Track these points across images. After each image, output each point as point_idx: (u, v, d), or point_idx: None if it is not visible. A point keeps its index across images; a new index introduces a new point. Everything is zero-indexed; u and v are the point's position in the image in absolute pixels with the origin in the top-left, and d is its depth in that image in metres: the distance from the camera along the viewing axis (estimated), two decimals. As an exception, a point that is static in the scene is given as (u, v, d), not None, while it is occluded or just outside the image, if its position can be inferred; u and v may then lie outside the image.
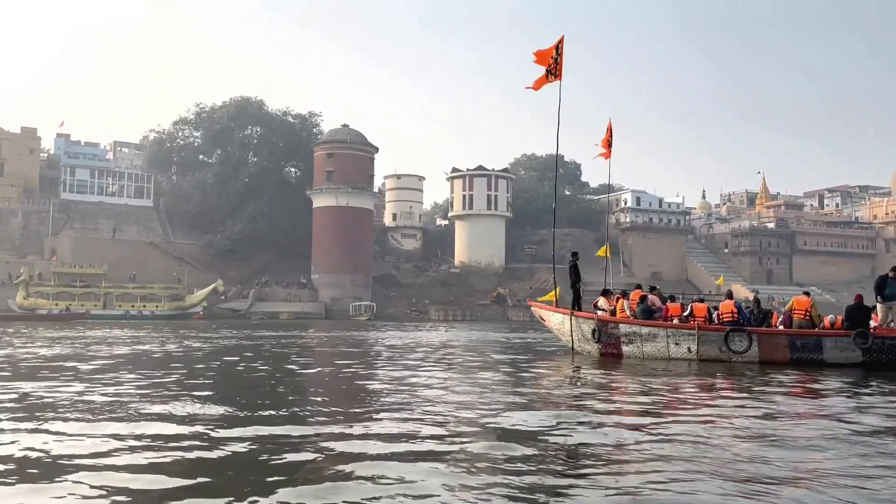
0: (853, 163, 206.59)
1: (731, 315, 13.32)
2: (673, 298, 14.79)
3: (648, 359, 13.60)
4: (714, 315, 14.09)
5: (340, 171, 67.72)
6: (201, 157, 76.99)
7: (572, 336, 15.22)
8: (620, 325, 14.15)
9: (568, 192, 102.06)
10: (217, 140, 74.78)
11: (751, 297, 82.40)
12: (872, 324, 12.89)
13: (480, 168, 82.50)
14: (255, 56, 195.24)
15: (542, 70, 14.03)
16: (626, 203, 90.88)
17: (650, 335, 13.68)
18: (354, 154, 69.10)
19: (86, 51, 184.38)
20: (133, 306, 52.55)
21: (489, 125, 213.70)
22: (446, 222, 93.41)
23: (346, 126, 71.75)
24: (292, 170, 78.47)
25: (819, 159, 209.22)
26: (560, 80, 14.07)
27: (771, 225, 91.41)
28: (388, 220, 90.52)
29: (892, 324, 13.17)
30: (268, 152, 74.39)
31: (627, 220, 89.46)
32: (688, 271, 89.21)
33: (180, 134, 76.53)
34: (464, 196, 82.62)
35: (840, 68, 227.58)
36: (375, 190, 77.59)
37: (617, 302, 15.09)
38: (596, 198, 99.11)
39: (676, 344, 13.37)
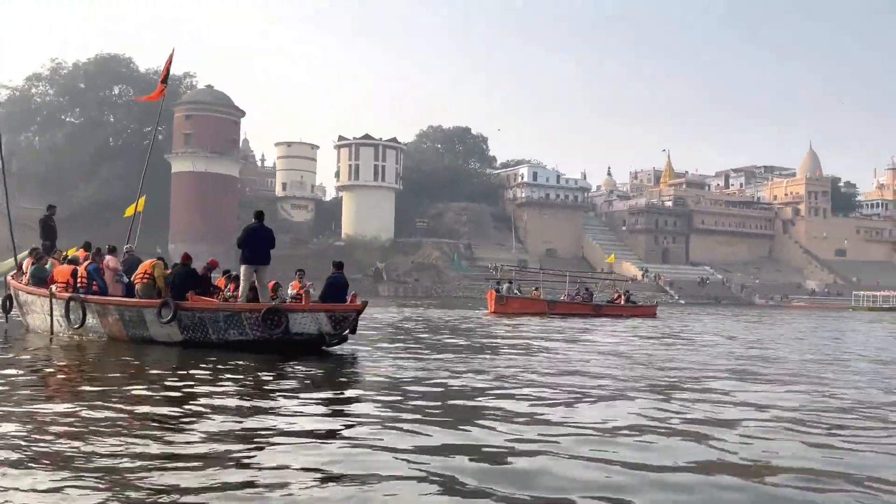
0: (775, 144, 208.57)
1: (82, 281, 10.55)
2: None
3: (42, 333, 10.93)
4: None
5: (200, 134, 63.83)
6: (64, 116, 72.21)
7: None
8: (20, 294, 11.40)
9: (473, 166, 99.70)
10: (76, 99, 70.13)
11: (639, 276, 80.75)
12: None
13: (367, 137, 79.10)
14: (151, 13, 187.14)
15: None
16: (522, 178, 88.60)
17: (31, 304, 10.97)
18: (216, 117, 65.18)
19: None
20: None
21: (400, 94, 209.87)
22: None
23: (209, 87, 67.68)
24: (160, 135, 73.99)
25: (739, 140, 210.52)
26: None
27: (669, 203, 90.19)
28: (277, 190, 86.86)
29: (262, 295, 10.02)
30: (131, 113, 70.07)
31: (523, 195, 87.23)
32: (583, 248, 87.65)
33: (34, 91, 71.53)
34: (350, 166, 79.28)
35: (774, 53, 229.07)
36: (261, 157, 73.66)
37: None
38: (496, 172, 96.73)
39: (51, 315, 10.66)
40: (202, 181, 63.30)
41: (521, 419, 5.09)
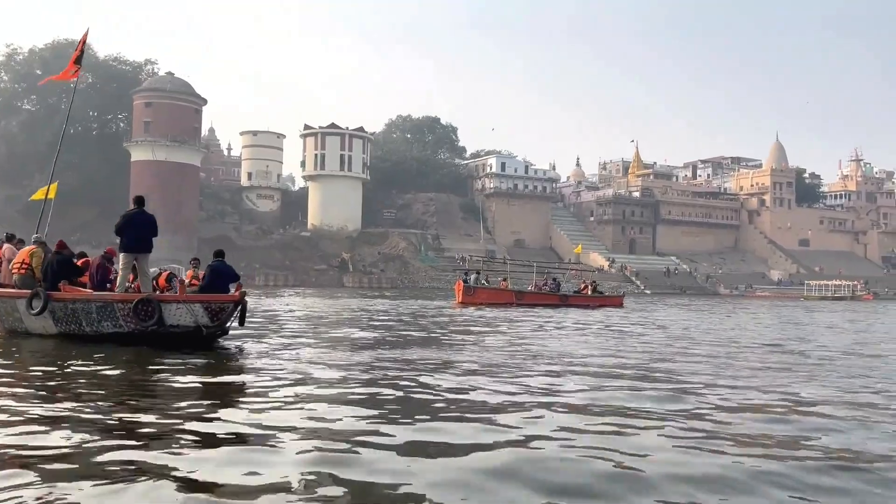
0: (745, 136, 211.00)
1: None
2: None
3: None
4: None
5: (159, 122, 62.65)
6: (20, 104, 70.42)
7: None
8: None
9: (442, 156, 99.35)
10: (33, 86, 68.36)
11: (606, 266, 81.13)
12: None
13: (333, 126, 78.24)
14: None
15: None
16: (491, 168, 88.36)
17: None
18: (176, 104, 63.93)
19: None
20: None
21: (370, 84, 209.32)
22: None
23: (170, 74, 66.45)
24: (120, 123, 72.50)
25: (710, 131, 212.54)
26: None
27: (637, 194, 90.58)
28: (243, 180, 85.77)
29: (144, 285, 9.57)
30: (89, 101, 68.48)
31: (491, 185, 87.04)
32: (552, 239, 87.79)
33: (-12, 78, 69.75)
34: (316, 155, 78.39)
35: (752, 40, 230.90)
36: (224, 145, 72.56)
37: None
38: (464, 162, 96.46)
39: None
40: (162, 170, 62.20)
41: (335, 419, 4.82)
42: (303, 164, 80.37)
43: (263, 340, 10.36)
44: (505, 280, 31.72)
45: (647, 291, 71.03)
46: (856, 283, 69.85)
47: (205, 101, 67.38)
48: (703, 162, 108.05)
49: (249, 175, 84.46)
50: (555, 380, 6.95)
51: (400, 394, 5.96)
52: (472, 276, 29.51)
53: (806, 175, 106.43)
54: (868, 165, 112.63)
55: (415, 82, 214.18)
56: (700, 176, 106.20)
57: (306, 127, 79.31)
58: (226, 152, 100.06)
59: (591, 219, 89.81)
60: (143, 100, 63.79)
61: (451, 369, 7.61)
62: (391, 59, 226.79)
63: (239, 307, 9.04)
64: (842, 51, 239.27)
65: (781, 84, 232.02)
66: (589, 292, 31.61)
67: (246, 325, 9.59)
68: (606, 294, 35.30)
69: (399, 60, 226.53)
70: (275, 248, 71.93)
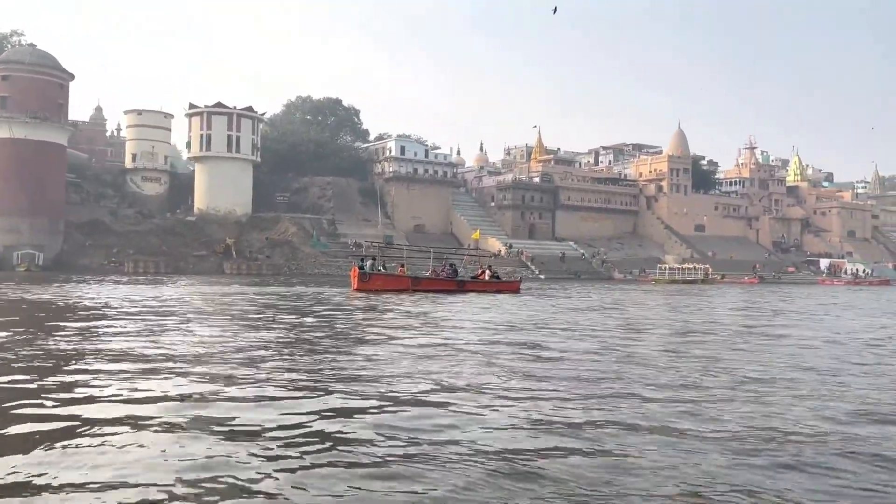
0: (650, 123, 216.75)
1: None
2: None
3: None
4: None
5: (18, 97, 57.90)
6: None
7: None
8: None
9: (344, 139, 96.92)
10: None
11: (503, 251, 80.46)
12: None
13: (220, 105, 74.62)
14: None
15: None
16: (390, 152, 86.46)
17: None
18: (38, 78, 59.13)
19: None
20: None
21: (268, 62, 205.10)
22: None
23: (31, 45, 61.70)
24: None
25: (617, 119, 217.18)
26: None
27: (537, 179, 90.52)
28: (127, 162, 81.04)
29: None
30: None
31: (391, 169, 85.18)
32: (452, 224, 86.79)
33: None
34: (202, 136, 74.59)
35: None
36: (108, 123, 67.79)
37: None
38: (364, 146, 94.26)
39: None
40: (22, 149, 57.62)
41: None
42: (188, 144, 76.60)
43: None
44: (403, 266, 30.72)
45: (542, 276, 70.90)
46: (707, 266, 72.08)
47: (71, 76, 62.74)
48: (605, 148, 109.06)
49: (134, 156, 79.92)
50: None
51: None
52: (368, 263, 28.66)
53: (704, 162, 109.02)
54: (765, 154, 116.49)
55: (319, 63, 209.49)
56: (602, 162, 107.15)
57: (191, 106, 75.44)
58: (115, 132, 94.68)
59: (492, 204, 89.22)
60: (-1, 72, 58.92)
61: None
62: (294, 37, 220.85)
63: None
64: (750, 41, 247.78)
65: (686, 72, 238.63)
66: (486, 277, 31.41)
67: None
68: (504, 279, 35.02)
69: (303, 39, 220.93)
70: (153, 233, 68.13)
